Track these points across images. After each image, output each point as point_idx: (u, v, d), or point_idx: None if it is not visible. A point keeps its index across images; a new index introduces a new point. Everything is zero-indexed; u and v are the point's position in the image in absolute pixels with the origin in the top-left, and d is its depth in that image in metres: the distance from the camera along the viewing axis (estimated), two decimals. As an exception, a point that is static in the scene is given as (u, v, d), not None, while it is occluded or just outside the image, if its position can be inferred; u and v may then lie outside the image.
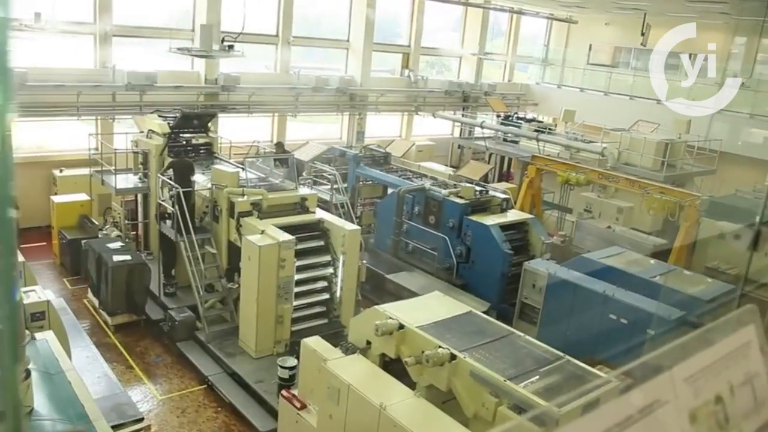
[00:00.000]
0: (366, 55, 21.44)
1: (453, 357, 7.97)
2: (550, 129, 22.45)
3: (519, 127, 21.83)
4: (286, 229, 11.47)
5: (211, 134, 15.07)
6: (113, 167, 14.43)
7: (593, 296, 11.11)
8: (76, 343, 11.24)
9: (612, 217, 17.89)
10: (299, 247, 11.49)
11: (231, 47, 12.79)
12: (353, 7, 21.50)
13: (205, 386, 10.91)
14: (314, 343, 8.92)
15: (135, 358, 11.69)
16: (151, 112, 15.19)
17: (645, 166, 18.89)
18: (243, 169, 13.48)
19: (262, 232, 11.00)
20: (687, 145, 20.10)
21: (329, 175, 15.18)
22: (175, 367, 11.51)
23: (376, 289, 14.71)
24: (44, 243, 15.83)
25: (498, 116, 23.04)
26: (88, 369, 10.47)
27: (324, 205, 15.83)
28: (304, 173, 15.96)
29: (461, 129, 24.75)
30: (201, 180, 12.80)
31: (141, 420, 9.41)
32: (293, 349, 11.20)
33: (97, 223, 14.98)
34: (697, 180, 20.69)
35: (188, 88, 17.85)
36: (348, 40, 21.89)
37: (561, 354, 8.36)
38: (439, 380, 8.03)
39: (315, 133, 22.45)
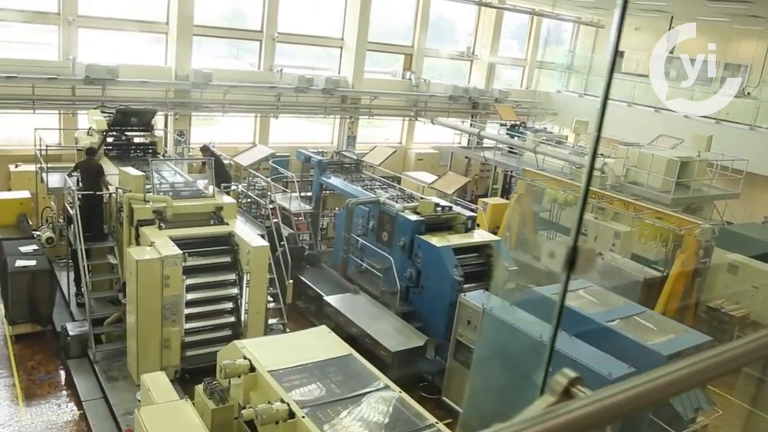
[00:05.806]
0: (359, 54, 20.04)
1: (291, 415, 6.54)
2: (559, 141, 20.51)
3: (523, 137, 19.99)
4: (191, 241, 10.27)
5: (156, 133, 14.09)
6: (48, 164, 13.54)
7: (528, 341, 9.36)
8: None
9: (609, 242, 15.83)
10: (200, 262, 10.26)
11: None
12: (348, 3, 20.11)
13: (81, 412, 9.78)
14: (152, 379, 7.61)
15: (22, 373, 10.68)
16: (95, 108, 14.31)
17: (653, 187, 16.74)
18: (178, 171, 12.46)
19: (152, 243, 9.79)
20: (707, 164, 17.77)
21: (263, 182, 13.86)
22: (60, 388, 10.44)
23: (317, 312, 13.31)
24: (-9, 240, 15.16)
25: (503, 125, 21.19)
26: (-48, 385, 9.55)
27: (287, 213, 14.72)
28: (245, 179, 14.75)
29: (468, 138, 22.98)
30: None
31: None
32: (184, 377, 10.00)
33: (31, 223, 14.16)
34: (720, 205, 18.34)
35: (156, 84, 16.90)
36: (342, 38, 20.53)
37: (433, 421, 6.80)
38: (274, 442, 6.62)
39: (314, 136, 21.24)
